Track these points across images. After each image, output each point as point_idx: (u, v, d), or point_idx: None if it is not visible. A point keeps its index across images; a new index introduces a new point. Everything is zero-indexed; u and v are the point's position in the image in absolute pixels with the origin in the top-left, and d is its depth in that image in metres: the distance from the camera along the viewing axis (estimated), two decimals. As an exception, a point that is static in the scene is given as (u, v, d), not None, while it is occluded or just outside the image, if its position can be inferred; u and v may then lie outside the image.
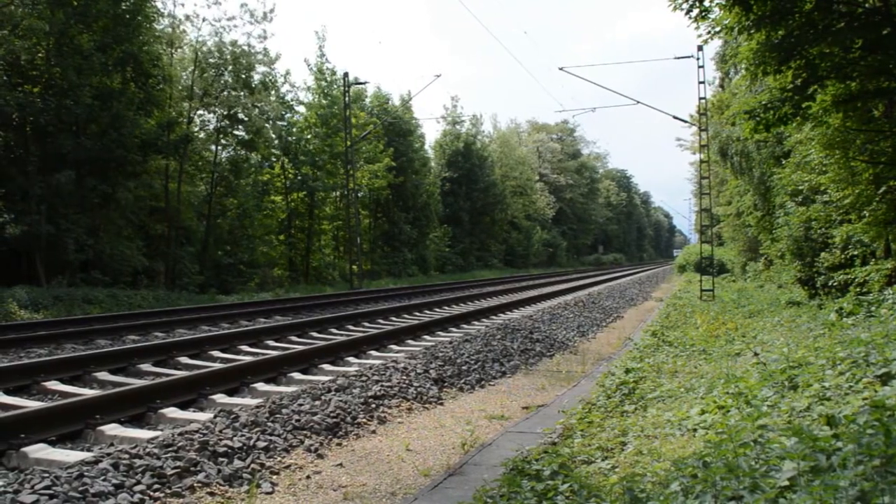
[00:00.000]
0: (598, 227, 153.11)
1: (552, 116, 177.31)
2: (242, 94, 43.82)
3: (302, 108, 55.12)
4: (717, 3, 13.80)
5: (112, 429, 9.36)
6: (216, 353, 16.21)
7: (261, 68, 46.09)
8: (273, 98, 49.67)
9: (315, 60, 57.76)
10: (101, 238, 33.37)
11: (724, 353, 14.25)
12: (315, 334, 20.05)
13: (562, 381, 15.06)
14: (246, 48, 43.77)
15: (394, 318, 24.59)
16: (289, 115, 53.48)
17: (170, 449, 8.12)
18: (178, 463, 7.83)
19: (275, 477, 8.26)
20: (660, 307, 33.29)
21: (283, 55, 55.71)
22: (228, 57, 43.13)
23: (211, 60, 43.17)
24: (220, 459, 8.27)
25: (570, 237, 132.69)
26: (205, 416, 9.94)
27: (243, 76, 44.01)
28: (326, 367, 14.70)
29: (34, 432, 8.63)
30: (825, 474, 4.55)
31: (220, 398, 11.55)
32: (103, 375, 13.38)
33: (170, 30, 42.14)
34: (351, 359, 15.60)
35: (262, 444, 8.92)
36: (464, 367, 15.29)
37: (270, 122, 48.74)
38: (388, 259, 65.69)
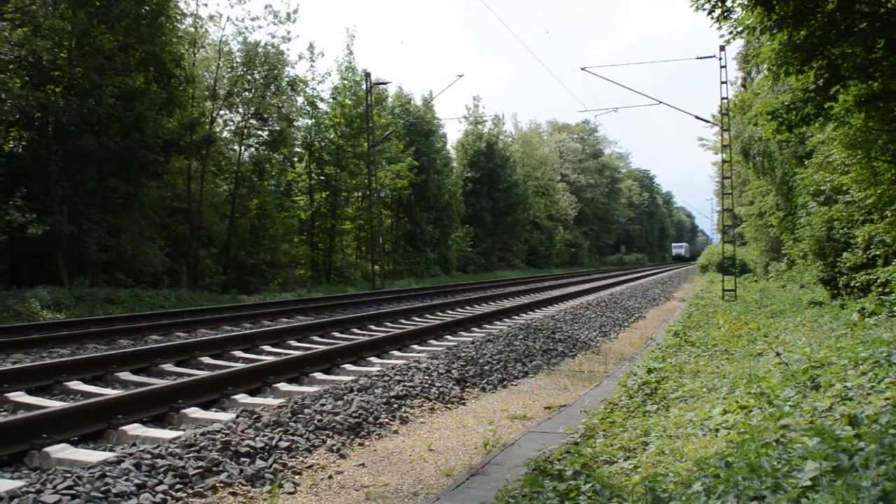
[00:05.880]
0: (620, 227, 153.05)
1: (574, 116, 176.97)
2: (268, 93, 43.98)
3: (324, 107, 55.13)
4: (740, 4, 13.75)
5: (134, 429, 9.39)
6: (238, 353, 16.26)
7: (289, 69, 46.34)
8: (301, 98, 49.88)
9: (343, 59, 58.01)
10: (123, 238, 33.49)
11: (746, 353, 14.21)
12: (337, 334, 20.08)
13: (584, 381, 15.05)
14: (272, 49, 43.89)
15: (416, 318, 24.63)
16: (314, 112, 53.38)
17: (192, 449, 8.14)
18: (201, 463, 7.85)
19: (297, 477, 8.27)
20: (682, 307, 33.23)
21: (307, 55, 55.79)
22: (257, 62, 43.24)
23: (238, 60, 43.32)
24: (243, 459, 8.29)
25: (593, 237, 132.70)
26: (227, 416, 9.97)
27: (274, 74, 44.16)
28: (349, 366, 14.73)
29: (56, 432, 8.66)
30: (847, 474, 4.54)
31: (243, 398, 11.59)
32: (125, 375, 13.43)
33: (192, 29, 42.27)
34: (373, 359, 15.64)
35: (284, 444, 8.94)
36: (486, 367, 15.29)
37: (295, 121, 48.92)
38: (411, 259, 65.76)
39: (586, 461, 7.61)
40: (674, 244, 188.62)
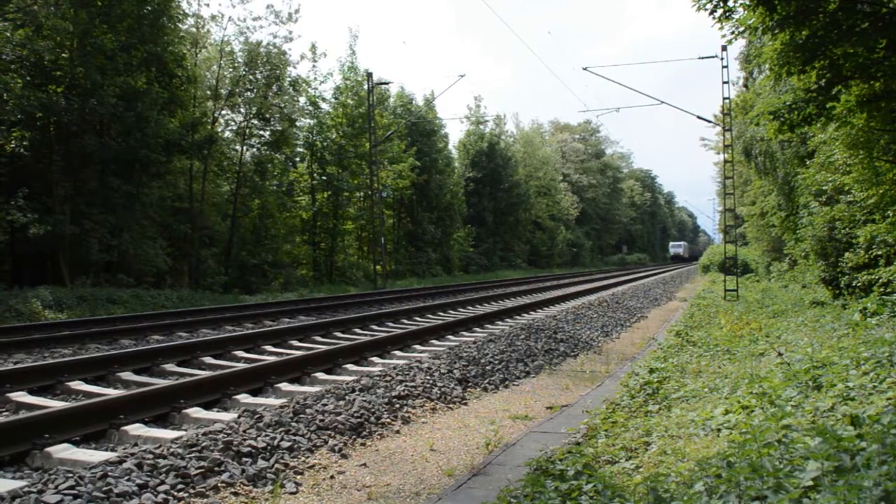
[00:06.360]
0: (622, 227, 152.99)
1: (575, 116, 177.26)
2: (270, 93, 44.01)
3: (326, 107, 55.07)
4: (741, 4, 13.75)
5: (136, 429, 9.39)
6: (240, 353, 16.26)
7: (291, 69, 46.32)
8: (303, 98, 49.87)
9: (345, 59, 58.03)
10: (124, 238, 33.45)
11: (748, 353, 14.22)
12: (339, 334, 20.09)
13: (586, 381, 15.06)
14: (274, 49, 43.91)
15: (418, 318, 24.63)
16: (316, 112, 53.27)
17: (194, 449, 8.15)
18: (203, 463, 7.86)
19: (299, 477, 8.28)
20: (684, 307, 33.27)
21: (309, 55, 55.58)
22: (259, 62, 43.25)
23: (240, 60, 43.33)
24: (245, 459, 8.30)
25: (594, 237, 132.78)
26: (229, 416, 9.98)
27: (276, 74, 44.18)
28: (350, 366, 14.74)
29: (58, 432, 8.67)
30: (849, 474, 4.55)
31: (245, 398, 11.59)
32: (127, 375, 13.44)
33: (194, 30, 42.31)
34: (375, 359, 15.64)
35: (286, 444, 8.95)
36: (488, 367, 15.30)
37: (297, 121, 48.93)
38: (412, 259, 65.73)
39: (588, 461, 7.61)
40: (671, 243, 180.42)
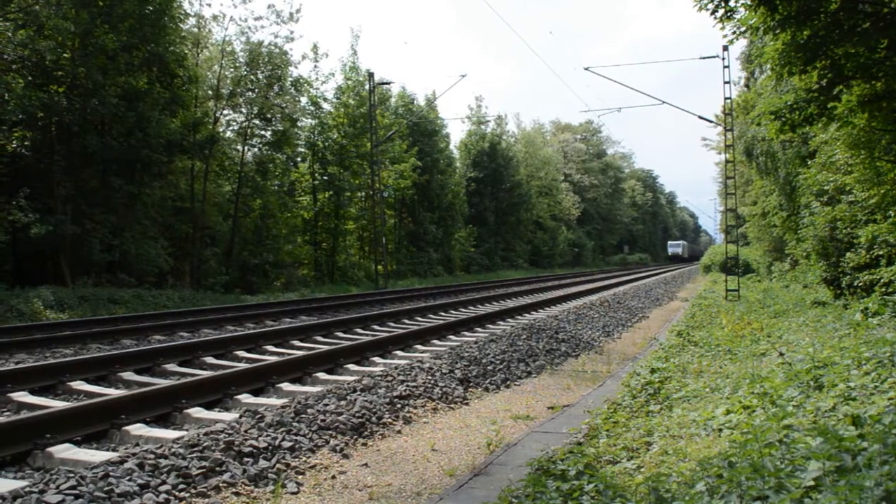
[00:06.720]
0: (623, 227, 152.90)
1: (577, 116, 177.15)
2: (271, 93, 43.98)
3: (328, 107, 55.03)
4: (743, 4, 13.75)
5: (137, 429, 9.39)
6: (242, 354, 16.25)
7: (292, 69, 46.30)
8: (305, 98, 49.84)
9: (347, 59, 58.06)
10: (126, 238, 33.44)
11: (749, 353, 14.19)
12: (340, 334, 20.07)
13: (587, 382, 15.05)
14: (275, 49, 43.88)
15: (419, 318, 24.61)
16: (318, 112, 53.24)
17: (195, 449, 8.15)
18: (204, 463, 7.86)
19: (300, 477, 8.27)
20: (685, 307, 33.24)
21: (311, 55, 55.56)
22: (260, 62, 43.22)
23: (241, 60, 43.31)
24: (246, 459, 8.30)
25: (596, 237, 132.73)
26: (230, 416, 9.97)
27: (277, 74, 44.15)
28: (352, 367, 14.73)
29: (59, 432, 8.66)
30: (850, 474, 4.54)
31: (246, 398, 11.59)
32: (129, 375, 13.43)
33: (196, 30, 42.30)
34: (376, 359, 15.63)
35: (287, 444, 8.95)
36: (489, 368, 15.29)
37: (299, 121, 48.90)
38: (414, 259, 65.68)
39: (589, 461, 7.61)
40: (670, 242, 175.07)
